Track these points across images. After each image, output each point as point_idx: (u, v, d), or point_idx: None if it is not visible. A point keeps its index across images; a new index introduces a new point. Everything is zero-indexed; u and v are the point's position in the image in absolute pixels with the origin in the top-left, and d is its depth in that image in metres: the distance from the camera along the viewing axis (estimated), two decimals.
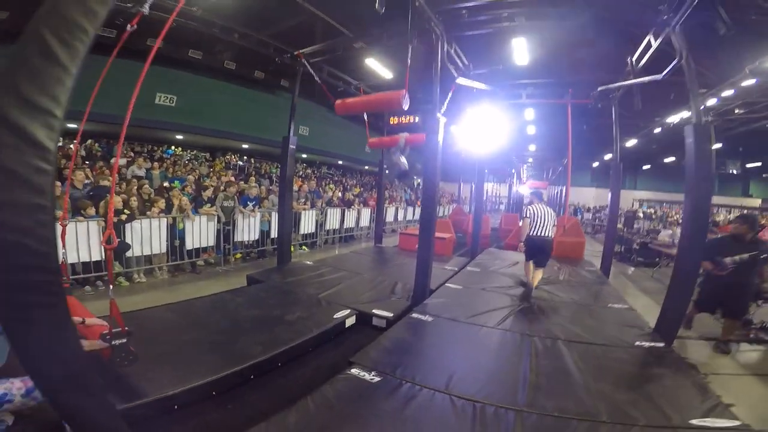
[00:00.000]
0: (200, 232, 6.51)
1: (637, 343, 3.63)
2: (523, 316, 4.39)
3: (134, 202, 5.72)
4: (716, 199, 23.46)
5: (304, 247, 9.15)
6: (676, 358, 3.34)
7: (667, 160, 22.31)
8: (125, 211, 5.46)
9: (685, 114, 13.81)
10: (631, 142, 20.00)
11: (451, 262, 7.33)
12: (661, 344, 3.57)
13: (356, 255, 7.60)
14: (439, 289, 5.23)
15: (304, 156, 20.19)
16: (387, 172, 9.57)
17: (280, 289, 4.90)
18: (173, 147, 17.85)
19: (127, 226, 5.45)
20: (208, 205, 6.85)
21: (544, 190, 25.96)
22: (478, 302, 4.77)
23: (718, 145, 18.77)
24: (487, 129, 7.25)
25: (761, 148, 18.89)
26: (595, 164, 24.42)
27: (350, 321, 4.07)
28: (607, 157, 23.13)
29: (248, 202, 7.52)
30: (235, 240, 7.26)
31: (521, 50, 6.81)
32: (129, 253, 5.56)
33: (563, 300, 5.11)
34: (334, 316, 4.00)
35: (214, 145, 18.34)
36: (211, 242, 6.79)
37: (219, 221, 6.86)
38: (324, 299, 4.56)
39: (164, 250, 5.98)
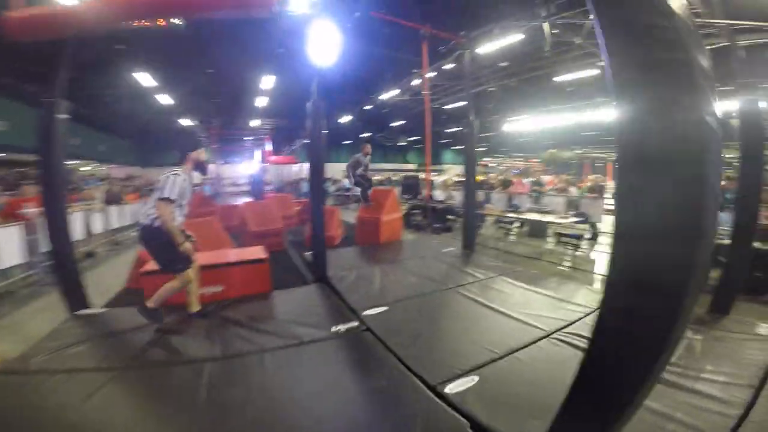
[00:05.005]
0: None
1: None
2: None
3: None
4: (384, 165, 29.28)
5: None
6: None
7: (363, 135, 25.53)
8: None
9: (395, 92, 15.49)
10: (346, 119, 21.40)
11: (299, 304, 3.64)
12: None
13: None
14: None
15: None
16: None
17: None
18: None
19: None
20: None
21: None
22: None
23: (402, 122, 23.02)
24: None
25: (420, 125, 24.68)
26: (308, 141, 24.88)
27: None
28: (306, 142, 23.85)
29: None
30: None
31: None
32: None
33: None
34: None
35: None
36: None
37: None
38: None
39: None
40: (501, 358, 2.51)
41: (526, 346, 2.69)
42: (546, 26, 6.91)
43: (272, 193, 15.03)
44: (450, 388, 2.13)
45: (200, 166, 3.28)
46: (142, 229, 2.99)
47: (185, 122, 16.07)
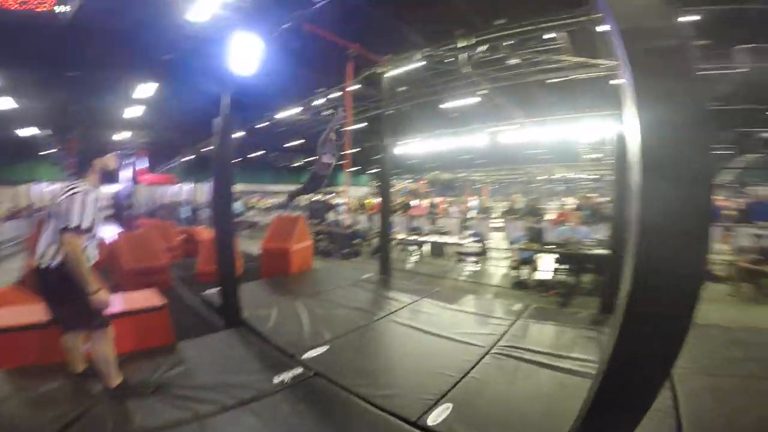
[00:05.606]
0: None
1: None
2: None
3: None
4: (277, 187, 27.41)
5: None
6: None
7: (253, 154, 24.04)
8: None
9: (295, 110, 15.01)
10: (239, 135, 19.82)
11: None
12: None
13: None
14: None
15: None
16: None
17: None
18: None
19: None
20: None
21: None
22: None
23: (299, 142, 22.33)
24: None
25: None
26: (191, 158, 22.23)
27: None
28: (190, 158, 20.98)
29: None
30: None
31: None
32: None
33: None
34: None
35: None
36: None
37: None
38: None
39: None
40: (460, 380, 2.60)
41: (475, 365, 2.82)
42: (464, 56, 7.60)
43: (143, 218, 12.66)
44: (432, 420, 2.10)
45: (109, 177, 2.48)
46: (43, 274, 2.14)
47: (30, 131, 12.70)
